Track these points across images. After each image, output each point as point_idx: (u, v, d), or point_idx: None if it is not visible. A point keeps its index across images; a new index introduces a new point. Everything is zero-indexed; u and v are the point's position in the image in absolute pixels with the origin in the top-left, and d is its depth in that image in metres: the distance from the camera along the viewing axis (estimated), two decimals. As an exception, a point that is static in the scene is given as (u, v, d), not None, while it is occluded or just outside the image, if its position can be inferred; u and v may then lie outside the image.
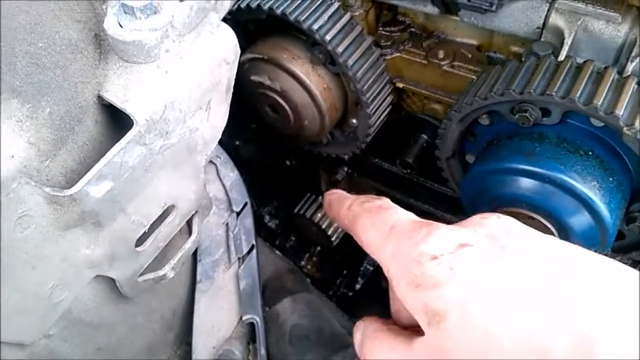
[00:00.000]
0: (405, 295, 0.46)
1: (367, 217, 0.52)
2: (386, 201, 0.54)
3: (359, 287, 1.40)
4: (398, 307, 0.54)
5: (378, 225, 0.50)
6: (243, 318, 0.68)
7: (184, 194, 0.56)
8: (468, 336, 0.41)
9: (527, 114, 0.63)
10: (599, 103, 0.58)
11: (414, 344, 0.46)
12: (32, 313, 0.47)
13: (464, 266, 0.43)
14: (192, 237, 0.60)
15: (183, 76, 0.47)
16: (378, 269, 1.41)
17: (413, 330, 0.50)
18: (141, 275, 0.56)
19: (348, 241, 1.25)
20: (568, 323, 0.38)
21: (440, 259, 0.43)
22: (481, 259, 0.43)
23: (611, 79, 0.61)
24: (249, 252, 0.74)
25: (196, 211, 0.60)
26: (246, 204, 0.78)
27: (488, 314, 0.41)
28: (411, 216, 0.51)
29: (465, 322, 0.41)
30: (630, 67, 0.66)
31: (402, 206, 1.04)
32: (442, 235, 0.45)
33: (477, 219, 0.48)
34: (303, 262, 1.38)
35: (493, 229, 0.46)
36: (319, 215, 1.20)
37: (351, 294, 1.40)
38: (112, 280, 0.54)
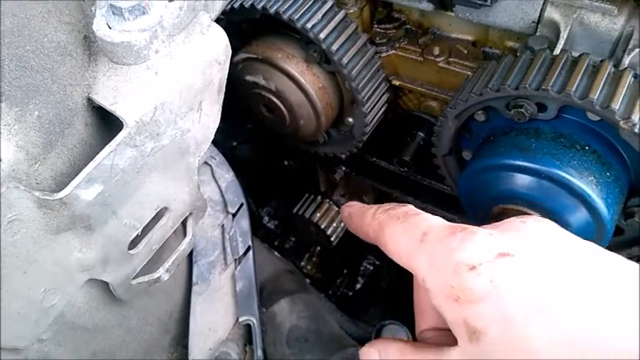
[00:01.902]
0: (443, 307, 0.44)
1: (395, 225, 0.49)
2: (411, 207, 0.52)
3: (359, 287, 1.40)
4: (424, 309, 0.53)
5: (409, 232, 0.48)
6: (240, 319, 0.68)
7: (177, 196, 0.55)
8: (508, 353, 0.40)
9: (522, 109, 0.63)
10: (595, 97, 0.57)
11: (450, 356, 0.44)
12: (25, 318, 0.47)
13: (504, 279, 0.41)
14: (187, 239, 0.60)
15: (174, 76, 0.47)
16: (378, 269, 1.40)
17: (439, 338, 0.50)
18: (135, 278, 0.55)
19: (347, 240, 1.25)
20: (611, 339, 0.38)
21: (479, 270, 0.42)
22: (522, 271, 0.41)
23: (607, 72, 0.60)
24: (245, 253, 0.74)
25: (190, 213, 0.60)
26: (241, 205, 0.78)
27: (529, 330, 0.39)
28: (442, 221, 0.48)
29: (506, 338, 0.40)
30: (627, 60, 0.65)
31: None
32: (479, 242, 0.43)
33: (515, 223, 0.46)
34: (303, 263, 1.38)
35: (533, 235, 0.44)
36: (318, 215, 1.20)
37: (351, 294, 1.40)
38: (106, 284, 0.53)
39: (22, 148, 0.42)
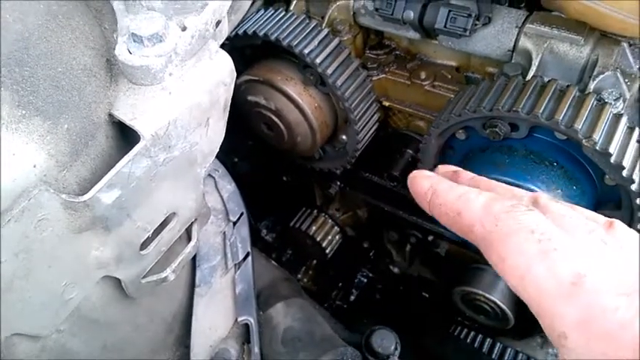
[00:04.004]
0: None
1: (528, 242, 0.36)
2: (541, 218, 0.38)
3: (353, 299, 1.44)
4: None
5: (554, 272, 0.35)
6: (239, 319, 0.73)
7: (185, 203, 0.61)
8: None
9: (497, 129, 0.69)
10: (560, 118, 0.64)
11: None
12: (47, 308, 0.52)
13: None
14: (192, 242, 0.66)
15: (185, 96, 0.53)
16: (371, 281, 1.45)
17: None
18: (145, 277, 0.61)
19: (342, 253, 1.30)
20: None
21: None
22: None
23: (572, 96, 0.67)
24: (244, 259, 0.79)
25: (196, 219, 0.65)
26: (242, 214, 0.83)
27: None
28: (601, 271, 0.35)
29: None
30: (592, 86, 0.72)
31: (390, 217, 1.07)
32: None
33: None
34: (299, 276, 1.42)
35: None
36: (314, 228, 1.25)
37: (345, 306, 1.44)
38: (118, 282, 0.59)
39: (53, 157, 0.48)
